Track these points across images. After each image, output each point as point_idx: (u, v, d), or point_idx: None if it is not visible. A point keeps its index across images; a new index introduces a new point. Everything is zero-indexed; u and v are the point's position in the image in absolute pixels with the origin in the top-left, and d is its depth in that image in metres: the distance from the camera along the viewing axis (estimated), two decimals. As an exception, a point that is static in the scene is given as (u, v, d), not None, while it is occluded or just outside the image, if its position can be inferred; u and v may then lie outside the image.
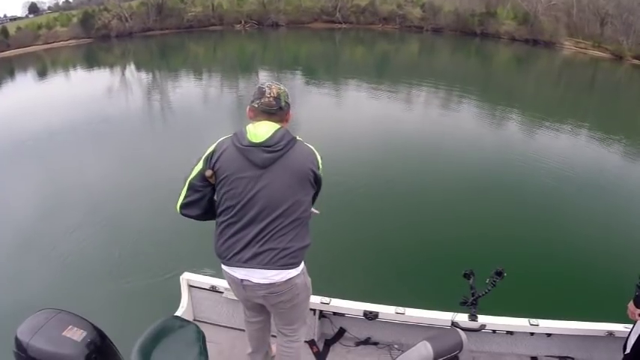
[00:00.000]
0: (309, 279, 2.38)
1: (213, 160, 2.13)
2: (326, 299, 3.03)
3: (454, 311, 2.97)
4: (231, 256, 2.14)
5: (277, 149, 2.06)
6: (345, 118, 13.91)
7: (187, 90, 18.69)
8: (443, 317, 2.97)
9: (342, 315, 3.12)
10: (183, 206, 2.22)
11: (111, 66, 27.74)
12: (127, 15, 42.72)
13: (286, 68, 22.56)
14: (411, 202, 7.81)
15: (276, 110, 2.14)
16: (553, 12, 40.99)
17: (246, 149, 2.06)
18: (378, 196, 7.91)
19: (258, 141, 2.05)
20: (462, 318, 2.95)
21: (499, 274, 2.81)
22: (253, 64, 26.17)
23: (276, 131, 2.08)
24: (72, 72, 27.21)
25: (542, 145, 11.88)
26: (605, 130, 13.93)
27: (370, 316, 3.01)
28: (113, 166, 9.54)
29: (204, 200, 2.21)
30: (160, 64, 28.49)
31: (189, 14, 44.59)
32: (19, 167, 9.56)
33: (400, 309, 3.00)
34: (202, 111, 14.58)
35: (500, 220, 7.38)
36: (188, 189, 2.20)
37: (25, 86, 22.46)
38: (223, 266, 2.22)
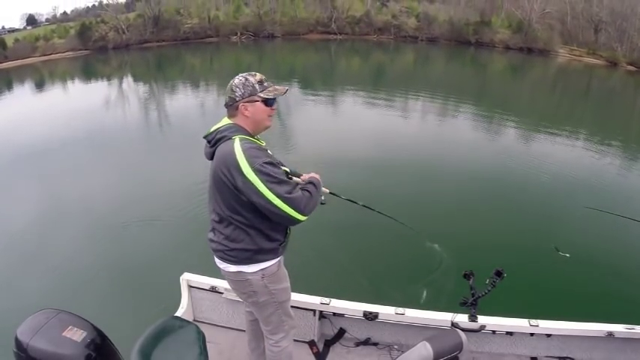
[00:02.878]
0: (279, 286, 2.34)
1: None
2: (326, 300, 3.04)
3: (454, 312, 2.98)
4: (209, 240, 2.31)
5: (210, 145, 2.17)
6: (343, 125, 13.99)
7: (184, 101, 18.73)
8: (443, 318, 2.98)
9: (342, 315, 3.12)
10: None
11: (108, 77, 27.75)
12: (124, 27, 42.79)
13: (282, 79, 22.61)
14: (410, 202, 7.80)
15: (227, 105, 2.19)
16: (547, 20, 41.28)
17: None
18: (377, 197, 7.87)
19: (204, 135, 2.21)
20: (462, 318, 2.96)
21: (499, 274, 2.83)
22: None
23: (219, 127, 2.15)
24: (69, 84, 27.19)
25: (540, 149, 11.97)
26: (600, 134, 14.07)
27: (370, 316, 3.02)
28: (112, 173, 9.55)
29: None
30: (157, 76, 28.50)
31: (186, 26, 44.68)
32: (18, 174, 9.57)
33: (400, 309, 3.01)
34: (199, 122, 14.59)
35: (500, 221, 7.40)
36: None
37: (22, 98, 22.43)
38: None
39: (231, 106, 2.16)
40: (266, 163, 2.02)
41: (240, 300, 2.69)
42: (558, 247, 4.98)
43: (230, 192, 2.07)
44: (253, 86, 2.14)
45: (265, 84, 2.18)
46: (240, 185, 2.01)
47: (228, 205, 2.12)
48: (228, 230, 2.17)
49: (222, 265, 2.27)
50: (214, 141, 2.13)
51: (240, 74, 2.17)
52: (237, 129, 2.13)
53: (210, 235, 2.28)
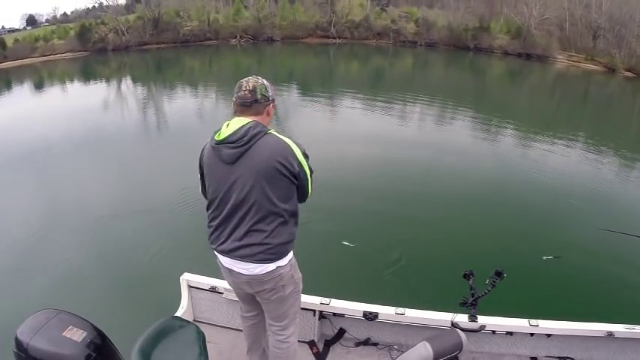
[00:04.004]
0: (299, 274, 2.41)
1: (200, 159, 2.29)
2: (326, 300, 3.04)
3: (454, 312, 2.98)
4: (217, 246, 2.26)
5: (240, 145, 2.08)
6: (342, 129, 14.03)
7: (183, 103, 18.76)
8: (443, 318, 2.98)
9: (342, 316, 3.12)
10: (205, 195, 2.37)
11: (107, 79, 27.77)
12: (123, 29, 42.89)
13: (281, 82, 22.68)
14: (410, 202, 7.87)
15: (251, 103, 2.16)
16: (546, 26, 41.39)
17: (215, 147, 2.15)
18: (377, 197, 7.96)
19: (222, 138, 2.12)
20: (462, 318, 2.95)
21: (499, 274, 2.83)
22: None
23: (242, 127, 2.10)
24: (69, 84, 27.23)
25: (539, 152, 12.05)
26: (598, 138, 14.20)
27: (370, 316, 3.01)
28: (112, 174, 9.59)
29: None
30: (156, 78, 28.55)
31: (185, 28, 44.81)
32: (18, 174, 9.59)
33: (400, 309, 3.00)
34: (198, 124, 14.62)
35: (500, 221, 7.45)
36: (201, 181, 2.34)
37: (21, 98, 22.45)
38: (214, 251, 2.33)
39: (260, 104, 2.19)
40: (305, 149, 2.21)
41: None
42: (556, 255, 4.99)
43: (287, 181, 2.14)
44: (273, 89, 2.26)
45: None
46: (296, 170, 2.14)
47: (281, 196, 2.15)
48: (272, 226, 2.17)
49: (258, 267, 2.21)
50: (248, 138, 2.09)
51: (254, 77, 2.22)
52: (263, 125, 2.18)
53: (237, 242, 2.20)
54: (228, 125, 2.15)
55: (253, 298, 2.45)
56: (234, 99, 2.19)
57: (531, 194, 8.64)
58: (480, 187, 8.87)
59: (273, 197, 2.12)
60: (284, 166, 2.09)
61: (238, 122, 2.13)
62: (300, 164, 2.14)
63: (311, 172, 2.22)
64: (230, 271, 2.29)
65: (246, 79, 2.20)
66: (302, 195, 2.27)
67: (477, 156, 11.40)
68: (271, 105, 2.24)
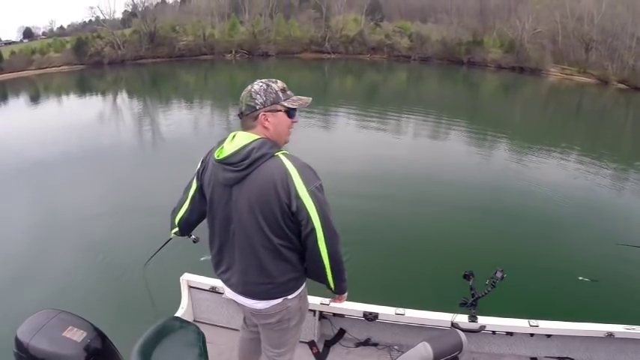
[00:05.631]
0: (307, 303, 2.19)
1: (201, 174, 2.00)
2: (326, 300, 3.01)
3: (454, 312, 2.98)
4: (220, 273, 2.07)
5: (240, 169, 1.77)
6: (339, 140, 14.24)
7: (179, 118, 18.78)
8: (443, 318, 2.98)
9: (342, 316, 3.12)
10: (183, 220, 2.15)
11: (103, 93, 27.75)
12: (119, 43, 43.10)
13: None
14: (410, 204, 7.94)
15: (240, 116, 1.87)
16: (538, 39, 41.97)
17: (215, 165, 1.86)
18: (377, 198, 8.01)
19: (221, 157, 1.81)
20: (462, 319, 2.95)
21: (499, 275, 2.84)
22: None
23: (246, 146, 1.77)
24: (64, 97, 27.20)
25: (535, 161, 12.22)
26: (591, 149, 14.46)
27: (370, 317, 3.01)
28: (112, 178, 9.72)
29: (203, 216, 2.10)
30: (152, 92, 28.54)
31: (181, 43, 45.09)
32: (18, 180, 9.63)
33: (400, 310, 3.00)
34: (193, 138, 14.65)
35: (500, 222, 7.53)
36: (190, 202, 2.09)
37: (17, 110, 22.44)
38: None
39: (249, 116, 1.83)
40: (320, 185, 1.83)
41: None
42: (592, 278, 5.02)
43: (282, 216, 1.79)
44: (276, 93, 1.85)
45: (288, 92, 1.90)
46: (294, 207, 1.76)
47: (279, 233, 1.84)
48: (272, 263, 1.88)
49: (260, 304, 1.99)
50: (250, 162, 1.76)
51: (259, 80, 1.88)
52: (273, 144, 1.82)
53: (238, 276, 1.97)
54: (233, 139, 1.84)
55: None
56: None
57: (529, 197, 8.81)
58: (479, 190, 9.09)
59: (269, 233, 1.82)
60: (279, 199, 1.75)
61: (244, 138, 1.81)
62: (300, 203, 1.75)
63: (322, 216, 1.80)
64: (234, 300, 2.10)
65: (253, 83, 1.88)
66: (311, 254, 1.87)
67: (474, 164, 11.58)
68: (262, 115, 1.82)
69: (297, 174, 1.76)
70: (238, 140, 1.81)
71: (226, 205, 1.87)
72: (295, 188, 1.74)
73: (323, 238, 1.81)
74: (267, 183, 1.75)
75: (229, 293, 2.08)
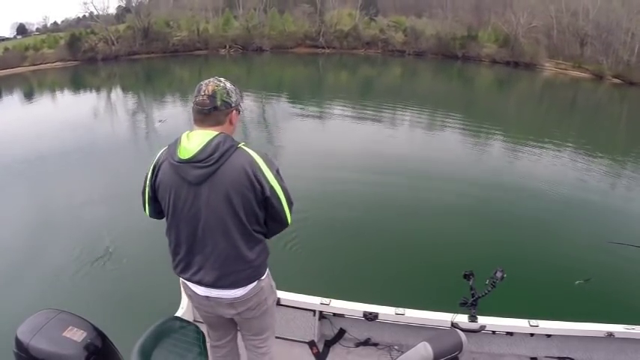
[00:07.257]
0: (273, 282, 2.24)
1: (155, 174, 1.99)
2: (326, 300, 3.03)
3: (454, 312, 2.98)
4: (190, 276, 2.04)
5: (210, 164, 1.81)
6: (334, 137, 14.15)
7: (173, 113, 18.72)
8: (443, 318, 2.98)
9: (342, 316, 3.13)
10: (154, 216, 2.14)
11: (97, 88, 27.63)
12: (113, 38, 42.79)
13: (270, 92, 22.74)
14: (410, 203, 7.97)
15: (210, 110, 1.88)
16: (533, 34, 42.07)
17: (177, 166, 1.86)
18: (377, 198, 8.04)
19: (187, 156, 1.83)
20: (462, 319, 2.96)
21: (499, 275, 2.84)
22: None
23: (210, 142, 1.83)
24: (58, 94, 27.08)
25: (532, 158, 12.30)
26: (586, 144, 14.54)
27: (370, 317, 3.01)
28: (109, 178, 9.66)
29: None
30: (146, 88, 28.47)
31: (175, 38, 44.77)
32: (16, 179, 9.61)
33: (400, 310, 3.01)
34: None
35: (500, 221, 7.55)
36: (149, 202, 2.09)
37: (11, 107, 22.31)
38: (182, 279, 2.15)
39: (222, 112, 1.91)
40: (278, 169, 1.95)
41: None
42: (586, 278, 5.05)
43: (257, 202, 1.90)
44: (241, 94, 2.00)
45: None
46: (267, 192, 1.87)
47: (253, 219, 1.94)
48: (250, 248, 1.98)
49: (239, 291, 2.05)
50: (219, 155, 1.82)
51: (215, 78, 1.94)
52: (232, 137, 1.92)
53: (215, 272, 1.98)
54: (188, 138, 1.88)
55: (227, 321, 2.30)
56: (192, 104, 1.93)
57: (529, 196, 8.82)
58: (478, 190, 9.05)
59: (245, 220, 1.90)
60: (253, 185, 1.85)
61: (203, 136, 1.86)
62: (270, 186, 1.88)
63: (286, 195, 1.95)
64: (207, 297, 2.09)
65: (206, 81, 1.92)
66: (278, 222, 2.00)
67: (471, 162, 11.59)
68: (234, 112, 1.95)
69: (262, 162, 1.88)
70: (199, 138, 1.86)
71: (193, 204, 1.89)
72: (264, 175, 1.87)
73: (285, 206, 1.97)
74: (239, 173, 1.83)
75: (203, 292, 2.08)
